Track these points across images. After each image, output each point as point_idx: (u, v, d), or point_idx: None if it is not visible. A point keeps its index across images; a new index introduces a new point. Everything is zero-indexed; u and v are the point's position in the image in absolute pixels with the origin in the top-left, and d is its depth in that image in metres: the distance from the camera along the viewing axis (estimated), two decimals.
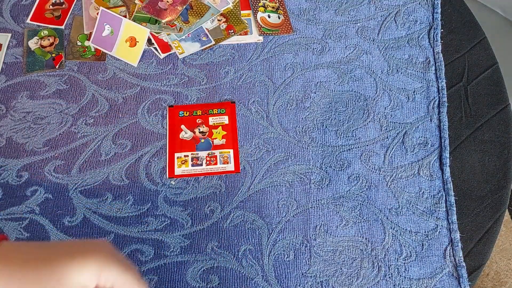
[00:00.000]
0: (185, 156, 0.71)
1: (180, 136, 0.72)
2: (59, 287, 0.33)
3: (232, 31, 0.82)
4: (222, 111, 0.74)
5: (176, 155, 0.71)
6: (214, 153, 0.71)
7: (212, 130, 0.73)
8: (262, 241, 0.65)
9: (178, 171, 0.69)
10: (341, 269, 0.63)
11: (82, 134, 0.72)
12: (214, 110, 0.74)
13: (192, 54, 0.80)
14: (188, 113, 0.74)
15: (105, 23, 0.80)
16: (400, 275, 0.63)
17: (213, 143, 0.72)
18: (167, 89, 0.77)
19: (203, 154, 0.71)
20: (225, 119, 0.74)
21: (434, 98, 0.77)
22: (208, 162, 0.70)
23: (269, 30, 0.83)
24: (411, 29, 0.84)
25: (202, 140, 0.72)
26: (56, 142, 0.72)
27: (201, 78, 0.78)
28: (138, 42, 0.79)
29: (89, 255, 0.34)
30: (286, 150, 0.72)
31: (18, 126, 0.73)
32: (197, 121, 0.74)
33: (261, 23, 0.83)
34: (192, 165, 0.70)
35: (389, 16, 0.85)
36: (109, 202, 0.67)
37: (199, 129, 0.73)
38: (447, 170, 0.70)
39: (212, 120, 0.74)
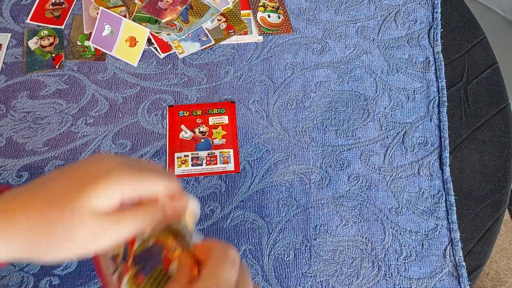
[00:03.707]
0: (185, 156, 0.71)
1: (180, 136, 0.72)
2: (72, 223, 0.31)
3: (232, 31, 0.82)
4: (222, 111, 0.74)
5: (176, 155, 0.71)
6: (214, 153, 0.71)
7: (212, 130, 0.73)
8: (262, 241, 0.65)
9: (178, 171, 0.69)
10: (341, 268, 0.63)
11: (82, 134, 0.72)
12: (214, 110, 0.74)
13: (192, 54, 0.80)
14: (188, 113, 0.74)
15: (105, 23, 0.80)
16: (400, 275, 0.63)
17: (213, 143, 0.72)
18: (167, 89, 0.77)
19: (203, 154, 0.71)
20: (225, 119, 0.74)
21: (434, 98, 0.77)
22: (208, 162, 0.70)
23: (269, 30, 0.83)
24: (411, 29, 0.84)
25: (202, 140, 0.72)
26: (56, 142, 0.72)
27: (201, 78, 0.78)
28: (138, 42, 0.79)
29: (97, 180, 0.32)
30: (286, 150, 0.72)
31: (18, 126, 0.73)
32: (197, 121, 0.74)
33: (261, 23, 0.83)
34: (192, 165, 0.70)
35: (389, 16, 0.85)
36: None
37: (199, 129, 0.73)
38: (447, 169, 0.70)
39: (212, 120, 0.74)
